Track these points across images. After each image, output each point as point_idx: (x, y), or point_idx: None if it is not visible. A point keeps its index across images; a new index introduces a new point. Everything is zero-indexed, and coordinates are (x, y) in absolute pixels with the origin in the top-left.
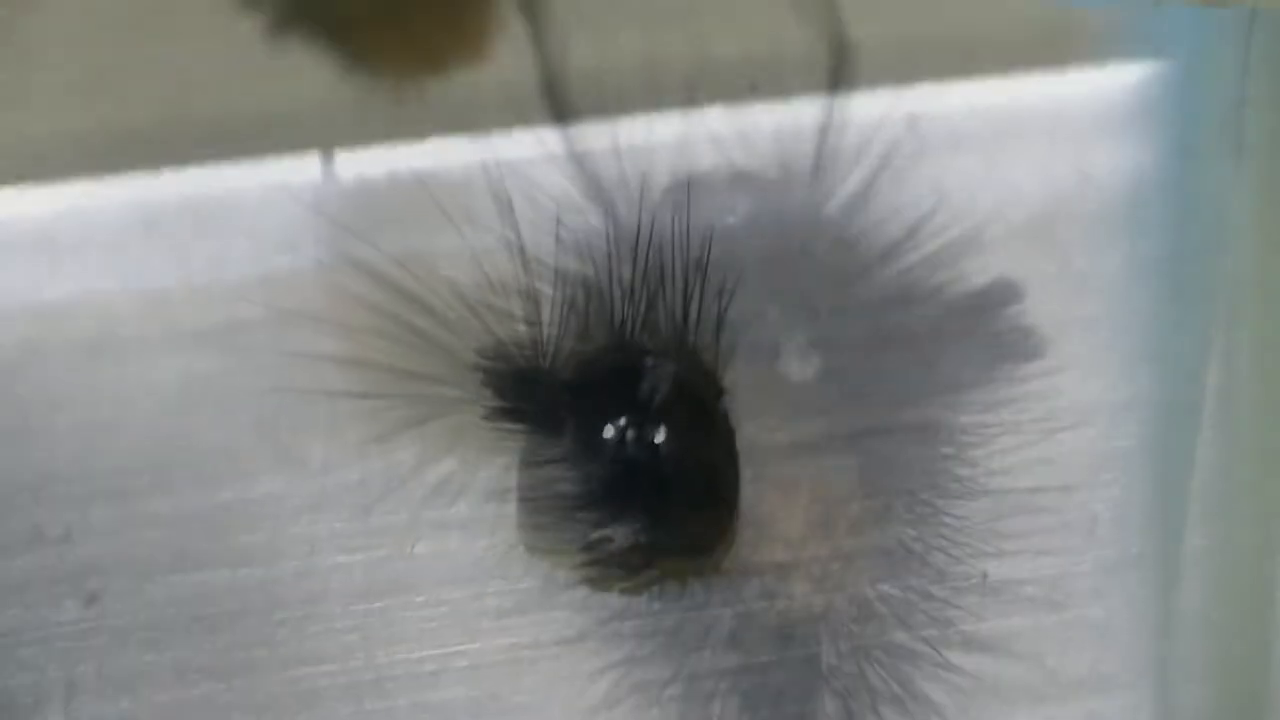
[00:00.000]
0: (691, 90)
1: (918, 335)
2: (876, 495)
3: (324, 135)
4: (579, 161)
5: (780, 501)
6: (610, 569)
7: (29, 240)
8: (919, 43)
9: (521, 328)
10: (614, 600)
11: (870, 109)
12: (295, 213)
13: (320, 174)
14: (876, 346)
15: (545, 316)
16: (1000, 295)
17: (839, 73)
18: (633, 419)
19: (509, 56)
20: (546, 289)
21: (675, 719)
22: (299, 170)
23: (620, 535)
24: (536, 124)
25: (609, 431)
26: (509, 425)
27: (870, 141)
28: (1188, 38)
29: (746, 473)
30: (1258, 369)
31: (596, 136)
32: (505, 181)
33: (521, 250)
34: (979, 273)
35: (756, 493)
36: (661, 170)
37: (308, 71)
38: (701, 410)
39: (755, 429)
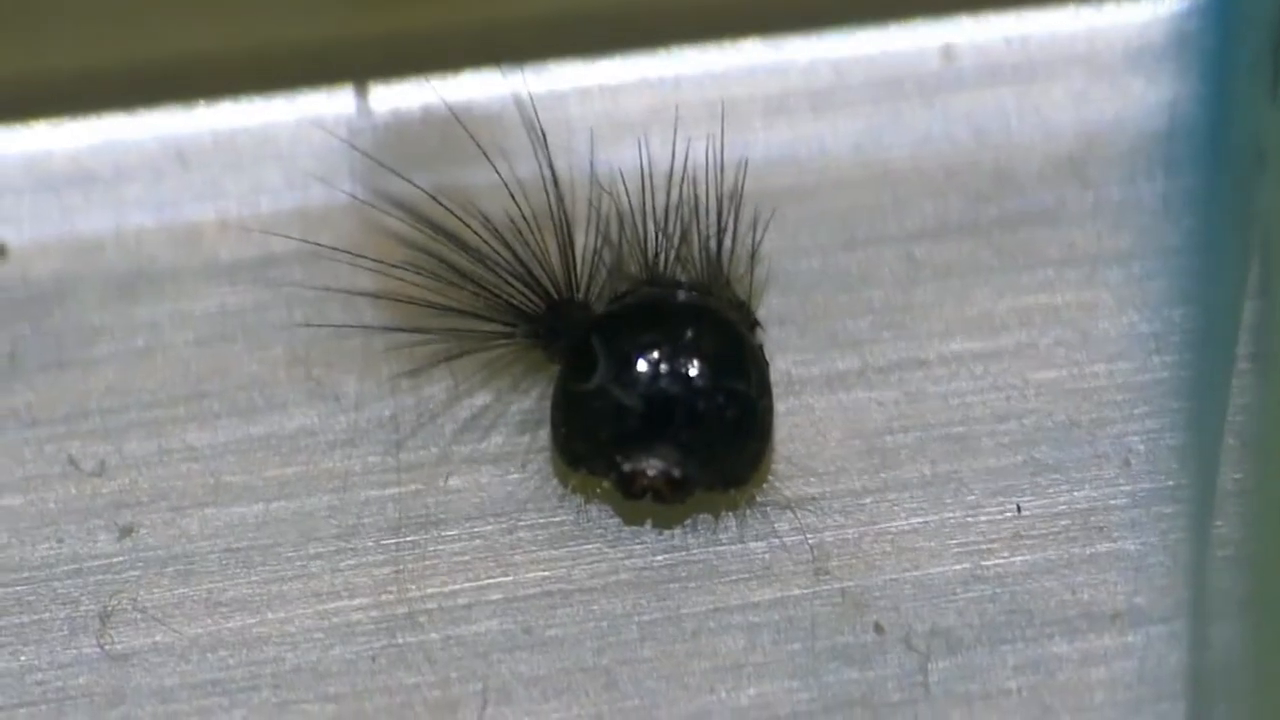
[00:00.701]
0: (726, 21)
1: (952, 266)
2: (910, 429)
3: (358, 68)
4: (611, 94)
5: (814, 435)
6: (644, 502)
7: (63, 174)
8: None
9: (555, 261)
10: (648, 534)
11: (906, 40)
12: (329, 146)
13: (354, 107)
14: (910, 278)
15: (579, 249)
16: (1033, 226)
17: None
18: (666, 351)
19: None
20: (580, 222)
21: (709, 653)
22: (333, 104)
23: (654, 468)
24: (569, 57)
25: (642, 364)
26: (542, 358)
27: (906, 74)
28: None
29: (780, 406)
30: None
31: (628, 70)
32: (539, 114)
33: (555, 183)
34: (1014, 204)
35: (790, 426)
36: (695, 103)
37: (342, 3)
38: (734, 343)
39: (789, 362)
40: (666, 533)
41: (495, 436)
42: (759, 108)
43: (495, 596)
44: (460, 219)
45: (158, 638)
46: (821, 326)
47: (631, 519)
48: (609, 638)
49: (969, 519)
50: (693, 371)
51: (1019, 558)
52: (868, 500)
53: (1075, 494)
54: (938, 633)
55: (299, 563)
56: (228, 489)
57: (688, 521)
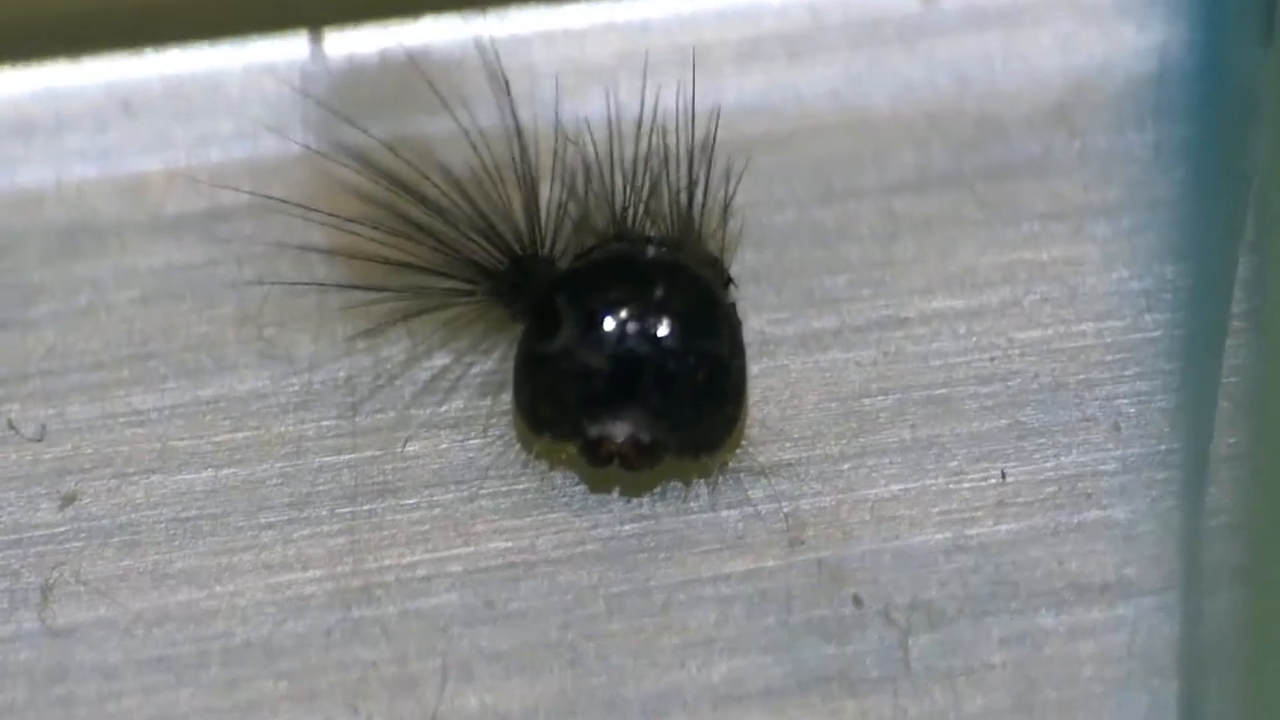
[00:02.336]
0: None
1: (933, 220)
2: (890, 391)
3: (312, 13)
4: (577, 39)
5: (789, 398)
6: (611, 469)
7: (3, 123)
8: None
9: (518, 214)
10: (615, 502)
11: None
12: (282, 95)
13: (308, 54)
14: (890, 232)
15: (543, 202)
16: (1018, 178)
17: None
18: (634, 310)
19: None
20: (545, 174)
21: (679, 627)
22: (286, 50)
23: (622, 433)
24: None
25: (609, 323)
26: (505, 317)
27: (885, 17)
28: None
29: (754, 367)
30: None
31: (594, 14)
32: (501, 61)
33: (518, 133)
34: (999, 155)
35: (764, 388)
36: (664, 48)
37: None
38: (707, 301)
39: (763, 321)
40: (635, 501)
41: (455, 400)
42: (731, 53)
43: (455, 568)
44: (419, 170)
45: (101, 611)
46: (797, 283)
47: (598, 486)
48: (574, 611)
49: (951, 486)
50: (662, 331)
51: (1004, 526)
52: (845, 466)
53: (1062, 459)
54: (918, 605)
55: (250, 533)
56: (175, 455)
57: (657, 489)
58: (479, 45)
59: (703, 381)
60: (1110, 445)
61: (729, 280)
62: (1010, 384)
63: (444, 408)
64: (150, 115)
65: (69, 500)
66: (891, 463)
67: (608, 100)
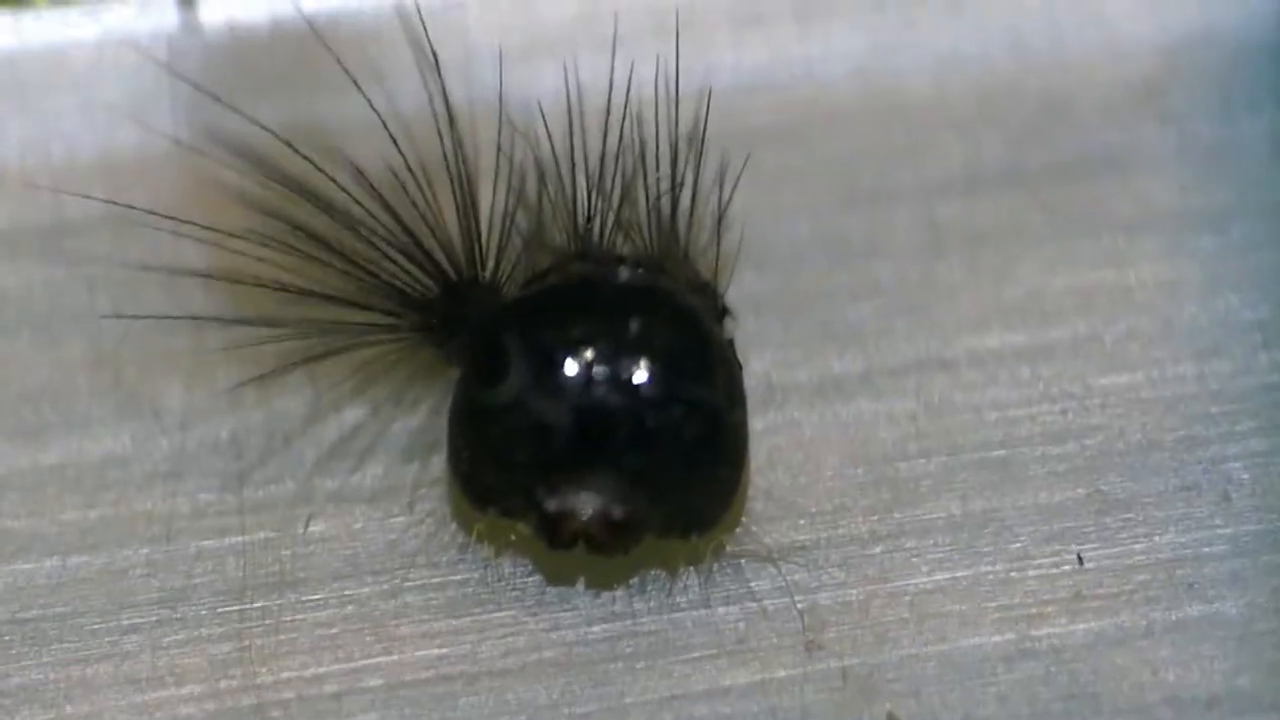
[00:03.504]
0: None
1: (986, 232)
2: (933, 453)
3: None
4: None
5: (802, 461)
6: (575, 554)
7: None
8: None
9: (452, 226)
10: (580, 597)
11: None
12: (144, 73)
13: (177, 21)
14: (931, 247)
15: (484, 211)
16: (1095, 177)
17: None
18: (603, 349)
19: None
20: (486, 174)
21: None
22: (149, 16)
23: (588, 506)
24: None
25: (571, 366)
26: (436, 359)
27: None
28: None
29: (757, 422)
30: None
31: None
32: (427, 27)
33: (451, 121)
34: (1070, 148)
35: (771, 449)
36: (638, 11)
37: None
38: (696, 337)
39: (768, 362)
40: (605, 596)
41: (372, 466)
42: (724, 18)
43: (374, 682)
44: (322, 170)
45: None
46: (812, 315)
47: (558, 578)
48: None
49: (1014, 574)
50: (639, 376)
51: (1080, 625)
52: (876, 550)
53: (1156, 539)
54: None
55: (109, 638)
56: (10, 538)
57: (633, 580)
58: (399, 8)
59: (691, 440)
60: (1218, 521)
61: (724, 310)
62: (1088, 443)
63: (358, 477)
64: None
65: None
66: (936, 545)
67: (566, 78)
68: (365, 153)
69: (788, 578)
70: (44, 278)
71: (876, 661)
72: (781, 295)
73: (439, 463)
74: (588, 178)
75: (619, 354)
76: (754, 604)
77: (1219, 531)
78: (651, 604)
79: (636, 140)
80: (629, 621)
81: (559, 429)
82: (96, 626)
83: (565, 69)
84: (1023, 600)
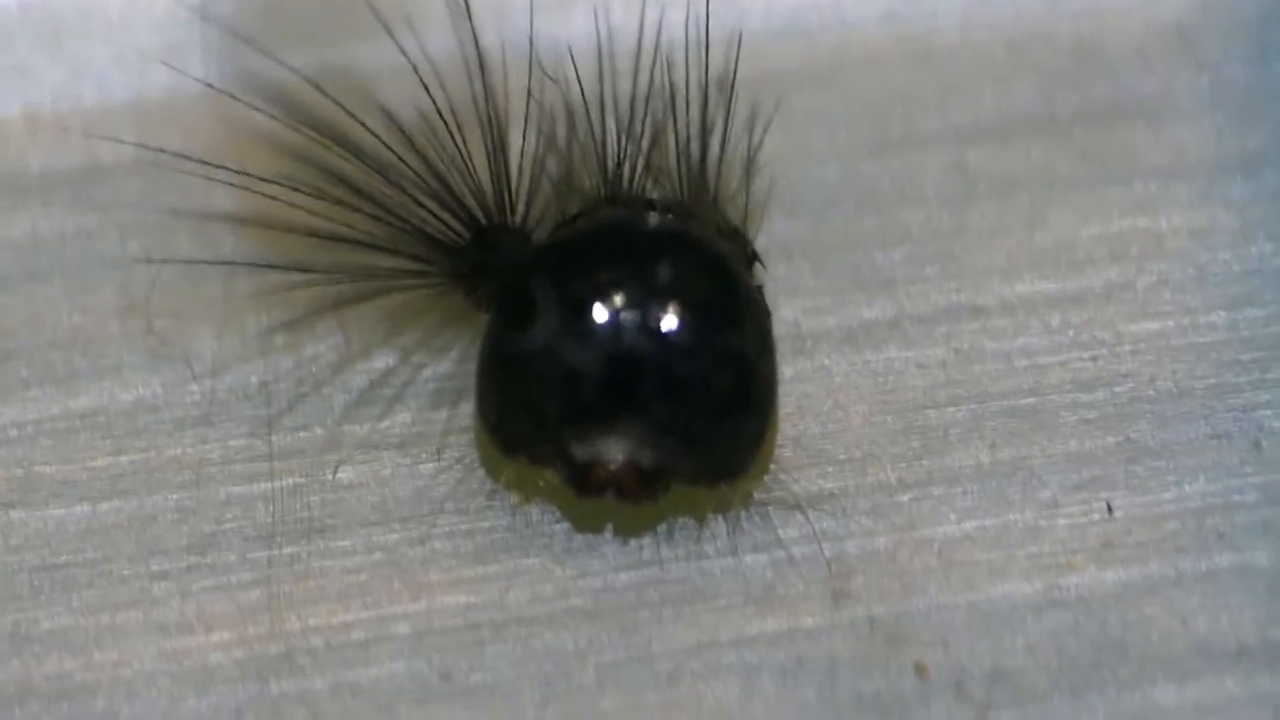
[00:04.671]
0: None
1: (1017, 178)
2: (963, 401)
3: None
4: None
5: (831, 409)
6: (603, 501)
7: None
8: None
9: (482, 172)
10: (608, 545)
11: None
12: (175, 18)
13: None
14: (962, 193)
15: (514, 156)
16: (1128, 123)
17: None
18: (632, 295)
19: None
20: (516, 119)
21: (692, 704)
22: None
23: (617, 454)
24: None
25: (600, 312)
26: (466, 305)
27: None
28: None
29: (786, 370)
30: None
31: None
32: None
33: (481, 66)
34: (1103, 94)
35: (800, 397)
36: None
37: None
38: (726, 284)
39: (798, 309)
40: (633, 544)
41: (401, 413)
42: None
43: (402, 630)
44: (353, 115)
45: None
46: (842, 260)
47: (586, 525)
48: (556, 685)
49: (1043, 522)
50: (668, 323)
51: (1110, 574)
52: (905, 498)
53: (1186, 488)
54: (1000, 676)
55: (138, 584)
56: (41, 484)
57: (661, 528)
58: None
59: (721, 388)
60: (1248, 470)
61: (754, 256)
62: (1119, 391)
63: (386, 423)
64: (6, 45)
65: None
66: (965, 493)
67: (596, 22)
68: (396, 98)
69: (815, 526)
70: (76, 223)
71: (904, 610)
72: (811, 241)
73: (468, 409)
74: (618, 123)
75: (648, 300)
76: (782, 552)
77: (1250, 480)
78: (679, 552)
79: (666, 85)
80: (657, 569)
81: (588, 375)
82: (126, 573)
83: (596, 13)
84: (1051, 549)
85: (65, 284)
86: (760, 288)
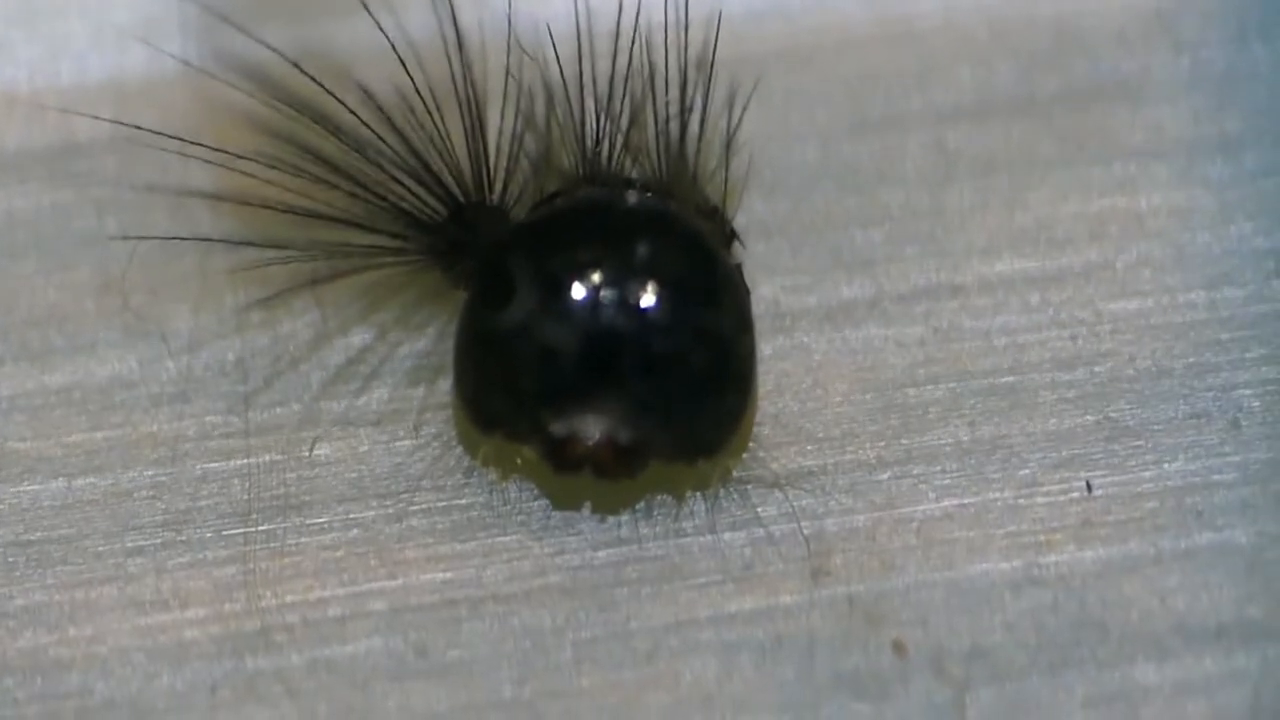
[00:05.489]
0: None
1: (997, 158)
2: (942, 379)
3: None
4: None
5: (811, 387)
6: (581, 478)
7: None
8: None
9: (460, 149)
10: (586, 522)
11: None
12: None
13: None
14: (942, 173)
15: (492, 134)
16: (1107, 104)
17: None
18: (610, 272)
19: None
20: (494, 97)
21: (670, 682)
22: None
23: (594, 430)
24: None
25: (578, 289)
26: (443, 282)
27: None
28: None
29: (765, 347)
30: None
31: None
32: None
33: (459, 43)
34: (1083, 75)
35: (779, 374)
36: None
37: None
38: (704, 262)
39: (777, 288)
40: (611, 521)
41: (378, 389)
42: None
43: (378, 606)
44: (330, 92)
45: None
46: (821, 239)
47: (564, 502)
48: (534, 662)
49: (1021, 501)
50: (647, 300)
51: (1089, 553)
52: (884, 476)
53: (1165, 467)
54: (979, 654)
55: (113, 560)
56: (15, 460)
57: (640, 505)
58: None
59: (699, 365)
60: (1228, 449)
61: (733, 235)
62: (1098, 370)
63: (363, 400)
64: None
65: None
66: (944, 471)
67: (575, 1)
68: (374, 76)
69: (794, 504)
70: (52, 200)
71: (883, 588)
72: (790, 220)
73: (445, 386)
74: (596, 101)
75: (626, 278)
76: (760, 530)
77: (1229, 459)
78: (658, 529)
79: (645, 64)
80: (635, 547)
81: (565, 353)
82: (101, 549)
83: None
84: (1031, 527)
85: (41, 261)
86: (739, 266)
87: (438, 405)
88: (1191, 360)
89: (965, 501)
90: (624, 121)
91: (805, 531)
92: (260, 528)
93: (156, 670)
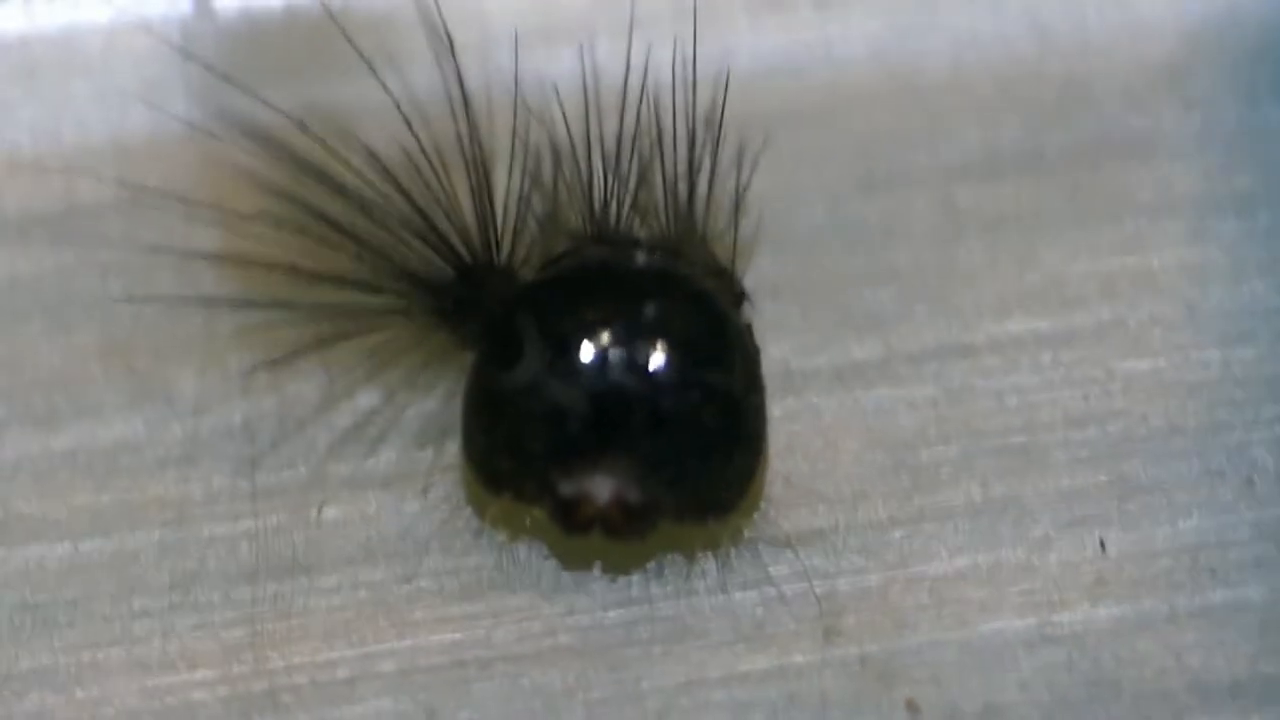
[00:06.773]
0: None
1: (1006, 216)
2: (953, 438)
3: None
4: None
5: (822, 447)
6: (591, 538)
7: None
8: None
9: (467, 210)
10: (596, 582)
11: None
12: (157, 56)
13: (190, 4)
14: (951, 231)
15: (499, 194)
16: (1118, 161)
17: None
18: (619, 333)
19: None
20: (501, 157)
21: None
22: (162, 1)
23: (604, 491)
24: None
25: (586, 350)
26: (450, 343)
27: None
28: None
29: (775, 408)
30: None
31: None
32: (443, 11)
33: (466, 104)
34: (1092, 132)
35: (790, 435)
36: None
37: None
38: (713, 322)
39: (787, 348)
40: (621, 581)
41: (386, 451)
42: (742, 1)
43: (387, 667)
44: (336, 153)
45: None
46: (830, 299)
47: (574, 562)
48: None
49: (1035, 559)
50: (655, 360)
51: (1103, 611)
52: (896, 535)
53: (1179, 525)
54: (993, 713)
55: (119, 623)
56: (22, 523)
57: (650, 565)
58: None
59: (709, 425)
60: (1242, 506)
61: (742, 295)
62: (1110, 429)
63: (370, 462)
64: None
65: None
66: (957, 530)
67: (582, 61)
68: (380, 136)
69: (806, 563)
70: (56, 262)
71: (896, 648)
72: (799, 280)
73: (453, 448)
74: (604, 161)
75: (635, 338)
76: (772, 590)
77: (1243, 517)
78: (669, 589)
79: (653, 124)
80: (646, 607)
81: (574, 413)
82: (108, 611)
83: (582, 52)
84: (1044, 586)
85: (45, 324)
86: (748, 326)
87: (446, 466)
88: (1205, 418)
89: (978, 560)
90: (632, 181)
91: (817, 591)
92: (268, 589)
93: None
